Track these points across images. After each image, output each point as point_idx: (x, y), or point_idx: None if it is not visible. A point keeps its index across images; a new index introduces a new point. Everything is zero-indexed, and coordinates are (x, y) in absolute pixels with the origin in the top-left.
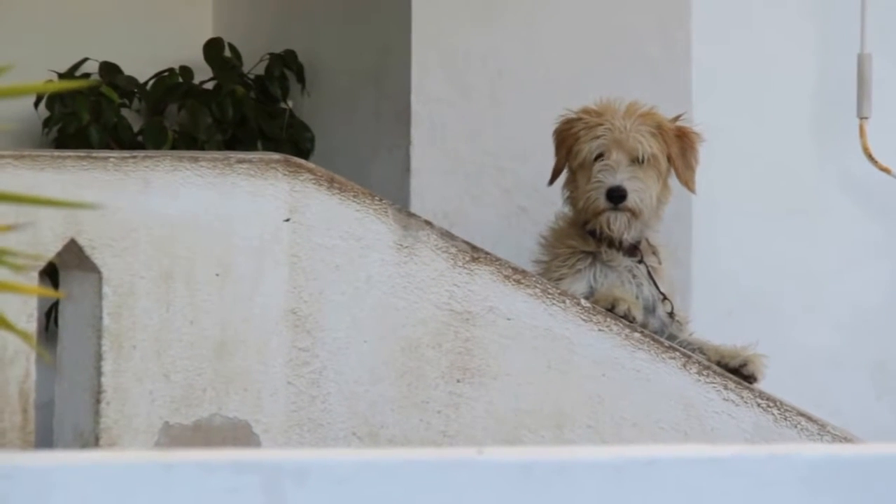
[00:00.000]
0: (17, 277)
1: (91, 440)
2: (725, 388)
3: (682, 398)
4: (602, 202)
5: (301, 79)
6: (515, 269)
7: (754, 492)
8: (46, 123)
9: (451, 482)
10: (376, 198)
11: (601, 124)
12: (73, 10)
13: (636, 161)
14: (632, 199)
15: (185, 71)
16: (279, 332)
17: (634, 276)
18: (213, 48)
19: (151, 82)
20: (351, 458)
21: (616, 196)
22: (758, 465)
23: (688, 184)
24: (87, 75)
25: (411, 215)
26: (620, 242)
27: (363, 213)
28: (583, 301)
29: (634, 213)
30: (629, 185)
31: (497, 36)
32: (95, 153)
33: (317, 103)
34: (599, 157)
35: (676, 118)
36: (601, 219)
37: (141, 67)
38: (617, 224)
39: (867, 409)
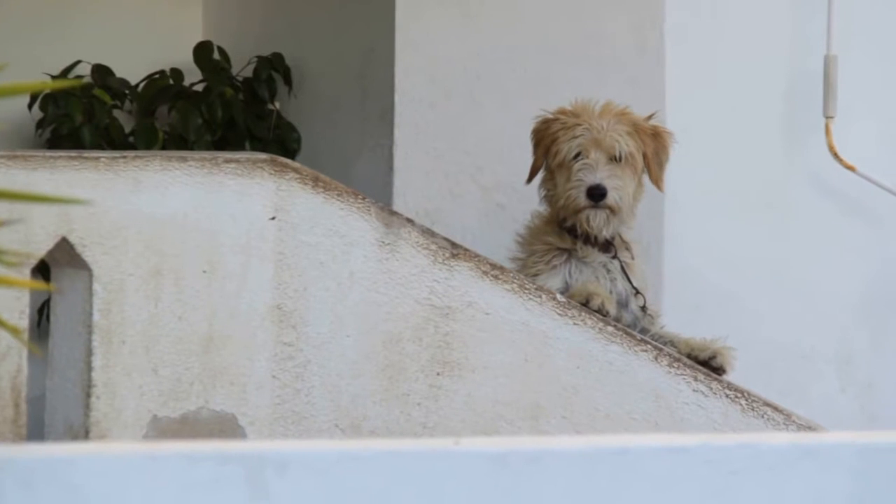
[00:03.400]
0: (9, 274)
1: (81, 433)
2: (695, 379)
3: (654, 389)
4: (582, 200)
5: (288, 81)
6: (494, 265)
7: (722, 479)
8: (40, 124)
9: (428, 472)
10: (360, 196)
11: (579, 124)
12: (66, 14)
13: (614, 159)
14: (611, 197)
15: (176, 73)
16: (265, 328)
17: (608, 272)
18: (202, 51)
19: (143, 84)
20: (331, 449)
21: (596, 194)
22: (725, 453)
23: (658, 183)
24: (79, 77)
25: (393, 213)
26: (596, 239)
27: (347, 211)
28: (558, 296)
29: (613, 210)
30: (608, 184)
31: (476, 40)
32: (87, 153)
33: (303, 105)
34: (577, 156)
35: (649, 117)
36: (581, 216)
37: (132, 70)
38: (596, 221)
39: (832, 400)
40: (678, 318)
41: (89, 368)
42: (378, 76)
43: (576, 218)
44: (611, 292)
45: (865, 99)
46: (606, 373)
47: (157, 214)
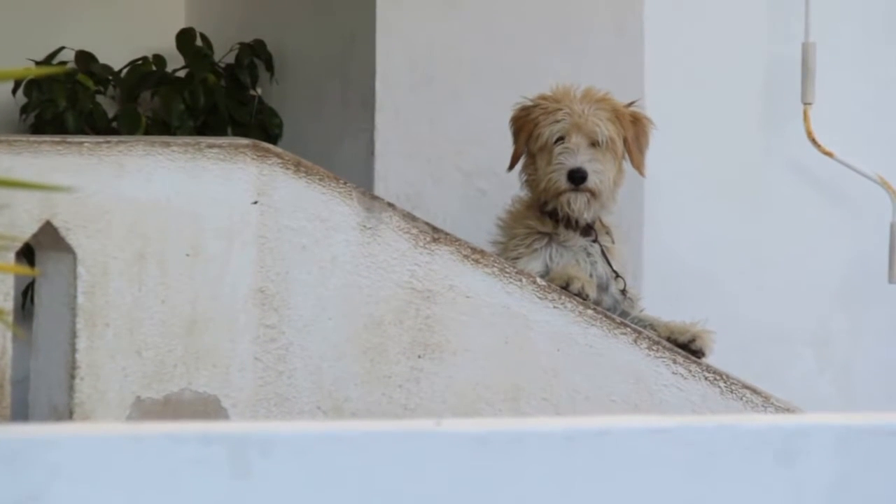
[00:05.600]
0: None
1: (65, 414)
2: (674, 362)
3: (633, 372)
4: (563, 183)
5: (270, 67)
6: (474, 249)
7: (701, 461)
8: (24, 110)
9: (410, 453)
10: (341, 181)
11: (560, 109)
12: (50, 1)
13: (595, 144)
14: (592, 181)
15: (159, 59)
16: (247, 311)
17: (589, 255)
18: (185, 37)
19: (126, 70)
20: (314, 430)
21: (577, 177)
22: (704, 435)
23: (639, 168)
24: (63, 63)
25: (375, 198)
26: (576, 222)
27: (328, 195)
28: (539, 279)
29: (594, 194)
30: (589, 167)
31: (457, 26)
32: (70, 138)
33: (285, 90)
34: (559, 140)
35: (630, 104)
36: (562, 199)
37: (116, 56)
38: (577, 204)
39: (810, 382)
40: (658, 302)
41: (73, 350)
42: (359, 62)
43: (556, 201)
44: (591, 276)
45: (843, 85)
46: (586, 355)
47: (141, 199)
